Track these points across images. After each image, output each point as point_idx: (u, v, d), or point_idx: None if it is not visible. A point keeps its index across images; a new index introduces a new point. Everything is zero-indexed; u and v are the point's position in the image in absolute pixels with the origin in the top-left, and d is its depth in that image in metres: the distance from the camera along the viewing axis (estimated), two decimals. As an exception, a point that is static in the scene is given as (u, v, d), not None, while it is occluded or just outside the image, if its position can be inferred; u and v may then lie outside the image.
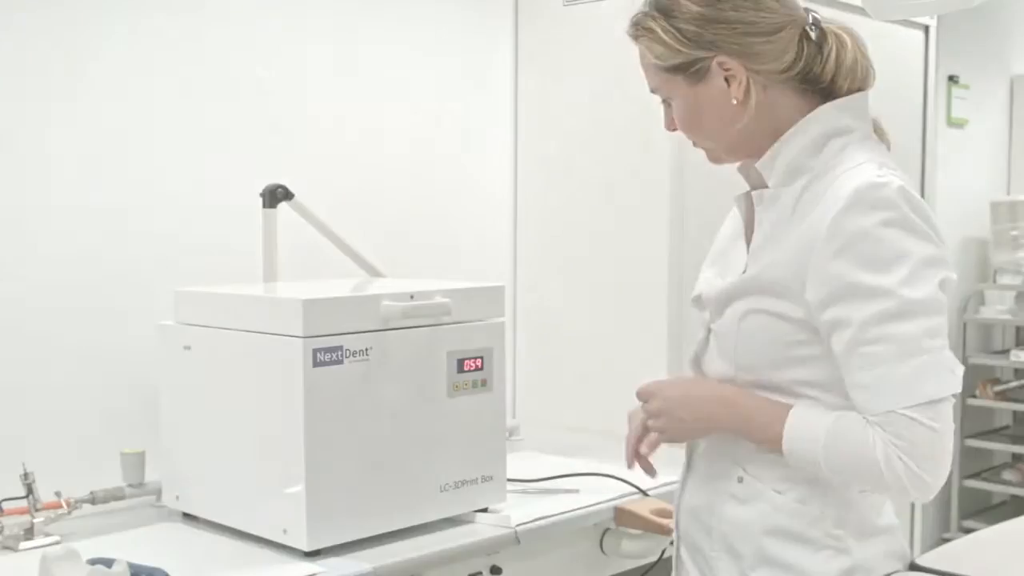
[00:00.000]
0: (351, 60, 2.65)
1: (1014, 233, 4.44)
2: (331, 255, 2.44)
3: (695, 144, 1.52)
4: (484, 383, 2.04)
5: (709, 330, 1.50)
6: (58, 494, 2.01)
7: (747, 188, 1.53)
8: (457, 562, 1.92)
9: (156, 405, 2.08)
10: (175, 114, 2.32)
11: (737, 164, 1.52)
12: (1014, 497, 4.65)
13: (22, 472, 1.97)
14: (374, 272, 2.47)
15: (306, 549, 1.80)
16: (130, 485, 2.13)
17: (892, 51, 3.53)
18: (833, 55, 1.43)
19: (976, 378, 4.59)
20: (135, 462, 2.14)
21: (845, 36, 1.46)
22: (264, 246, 2.35)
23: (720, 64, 1.41)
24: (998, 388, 4.57)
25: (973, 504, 4.64)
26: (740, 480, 1.45)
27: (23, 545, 1.91)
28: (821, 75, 1.44)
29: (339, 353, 1.81)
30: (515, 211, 3.02)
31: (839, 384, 1.37)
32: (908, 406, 1.29)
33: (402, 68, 2.75)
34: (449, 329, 1.97)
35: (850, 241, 1.32)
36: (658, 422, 1.48)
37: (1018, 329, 4.86)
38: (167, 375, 2.06)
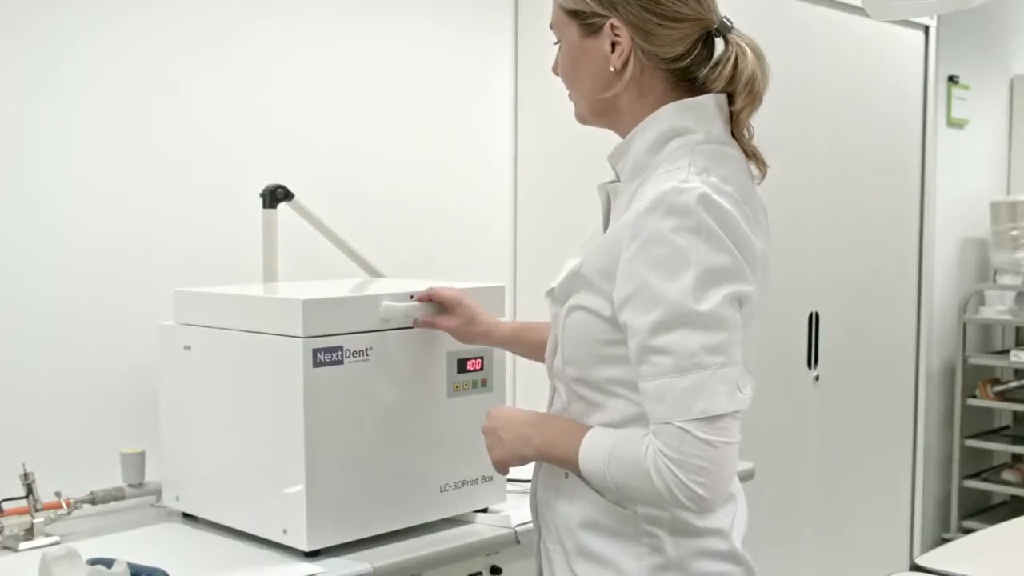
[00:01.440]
0: (351, 60, 2.66)
1: (1014, 233, 4.44)
2: (331, 255, 2.44)
3: (569, 96, 1.54)
4: (484, 383, 2.04)
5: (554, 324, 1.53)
6: (58, 494, 2.01)
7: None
8: (457, 562, 1.92)
9: (156, 405, 2.08)
10: (175, 114, 2.32)
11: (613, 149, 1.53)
12: (1014, 497, 4.65)
13: (22, 472, 1.97)
14: (374, 272, 2.47)
15: (306, 549, 1.80)
16: (130, 485, 2.13)
17: (892, 51, 3.53)
18: (730, 64, 1.42)
19: (976, 378, 4.59)
20: (135, 462, 2.14)
21: (748, 50, 1.44)
22: (264, 246, 2.35)
23: (612, 27, 1.42)
24: (998, 388, 4.57)
25: (973, 504, 4.64)
26: (567, 476, 1.48)
27: (23, 545, 1.92)
28: (713, 82, 1.43)
29: (339, 353, 1.81)
30: (515, 211, 3.02)
31: None
32: (683, 419, 1.28)
33: (402, 68, 2.75)
34: (449, 329, 1.96)
35: (647, 242, 1.31)
36: (487, 441, 1.54)
37: (1018, 329, 4.86)
38: (167, 375, 2.06)
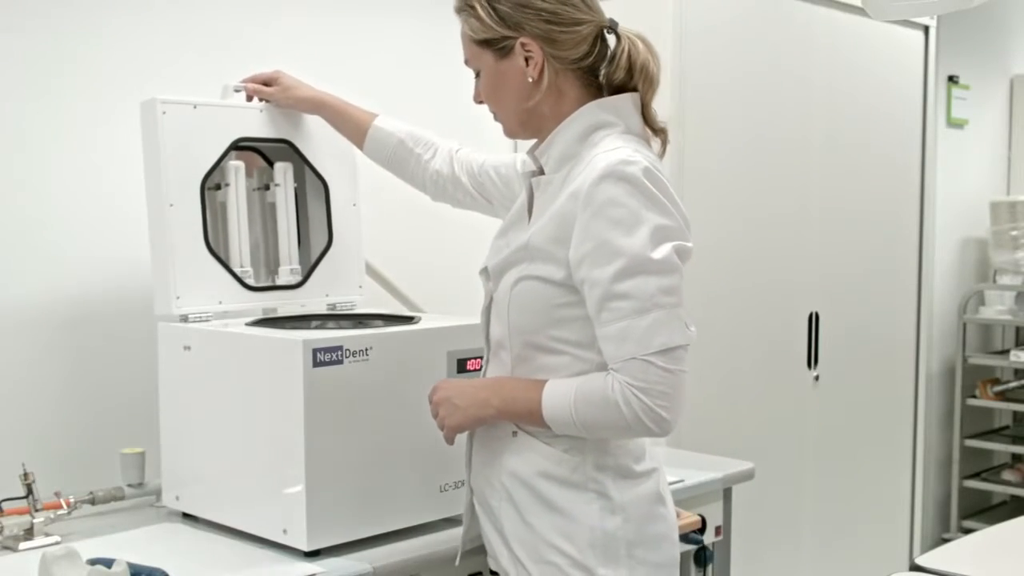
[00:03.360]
0: (352, 60, 2.66)
1: (1014, 233, 4.44)
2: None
3: (495, 118, 1.72)
4: (484, 383, 2.04)
5: (491, 298, 1.67)
6: (58, 494, 2.01)
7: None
8: (462, 562, 1.92)
9: (156, 405, 2.08)
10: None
11: (533, 144, 1.70)
12: (1014, 497, 4.66)
13: (22, 472, 1.97)
14: (373, 273, 2.47)
15: (306, 549, 1.80)
16: (130, 485, 2.13)
17: (892, 51, 3.53)
18: (625, 55, 1.61)
19: (976, 378, 4.59)
20: (135, 462, 2.14)
21: (638, 41, 1.63)
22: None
23: (523, 45, 1.60)
24: (998, 388, 4.57)
25: (973, 504, 4.65)
26: (515, 434, 1.63)
27: (23, 545, 1.91)
28: (613, 74, 1.62)
29: (339, 353, 1.81)
30: (515, 211, 3.01)
31: (595, 343, 1.54)
32: (646, 353, 1.47)
33: (402, 69, 2.75)
34: (449, 329, 1.97)
35: (603, 206, 1.49)
36: (440, 412, 1.67)
37: (1018, 329, 4.86)
38: (167, 375, 2.06)
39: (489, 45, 1.63)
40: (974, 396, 4.56)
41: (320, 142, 2.24)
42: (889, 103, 3.54)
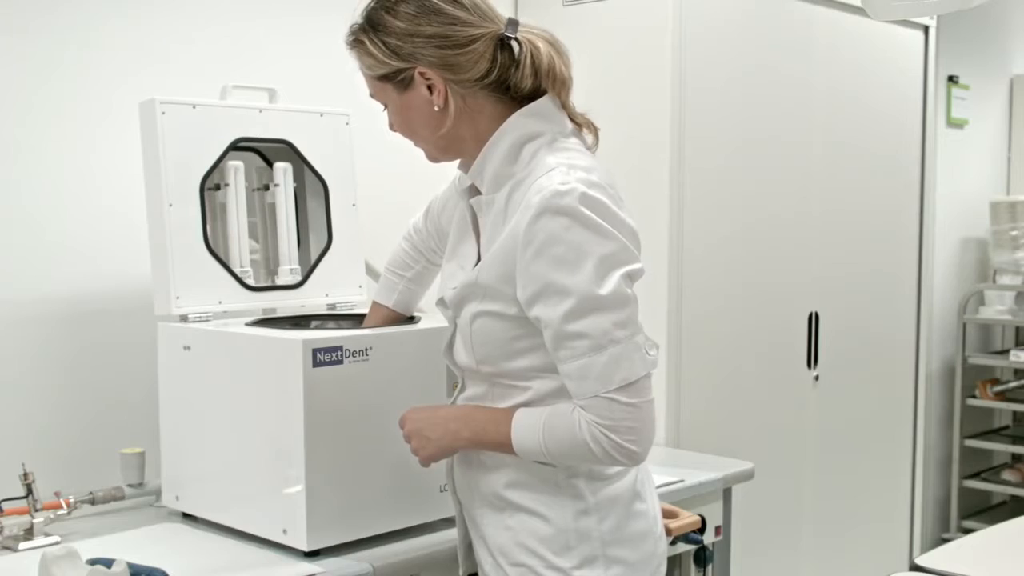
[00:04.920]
0: (352, 60, 2.65)
1: (1014, 233, 4.44)
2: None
3: (415, 144, 1.65)
4: (484, 383, 2.03)
5: (455, 325, 1.63)
6: (58, 494, 2.01)
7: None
8: (457, 562, 1.92)
9: (156, 405, 2.08)
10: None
11: (463, 163, 1.65)
12: (1013, 497, 4.66)
13: (22, 472, 1.97)
14: (375, 273, 2.47)
15: (306, 549, 1.80)
16: (130, 485, 2.14)
17: (892, 51, 3.53)
18: (528, 60, 1.54)
19: (976, 378, 4.59)
20: (135, 462, 2.14)
21: (539, 42, 1.56)
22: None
23: (421, 74, 1.54)
24: (997, 388, 4.57)
25: (973, 504, 4.65)
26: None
27: (23, 545, 1.92)
28: (521, 82, 1.55)
29: (339, 353, 1.81)
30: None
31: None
32: (608, 390, 1.44)
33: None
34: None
35: (543, 244, 1.45)
36: (412, 443, 1.65)
37: (1018, 329, 4.86)
38: (167, 375, 2.06)
39: (388, 79, 1.57)
40: (974, 396, 4.56)
41: (319, 142, 2.24)
42: (889, 103, 3.54)
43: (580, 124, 1.61)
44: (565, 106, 1.59)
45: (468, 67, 1.53)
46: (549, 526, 1.57)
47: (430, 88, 1.54)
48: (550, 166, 1.49)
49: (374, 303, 1.99)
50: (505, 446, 1.55)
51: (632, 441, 1.46)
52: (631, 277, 1.48)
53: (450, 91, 1.54)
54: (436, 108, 1.55)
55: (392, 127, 1.65)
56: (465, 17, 1.53)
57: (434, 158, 1.66)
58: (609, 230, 1.46)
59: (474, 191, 1.64)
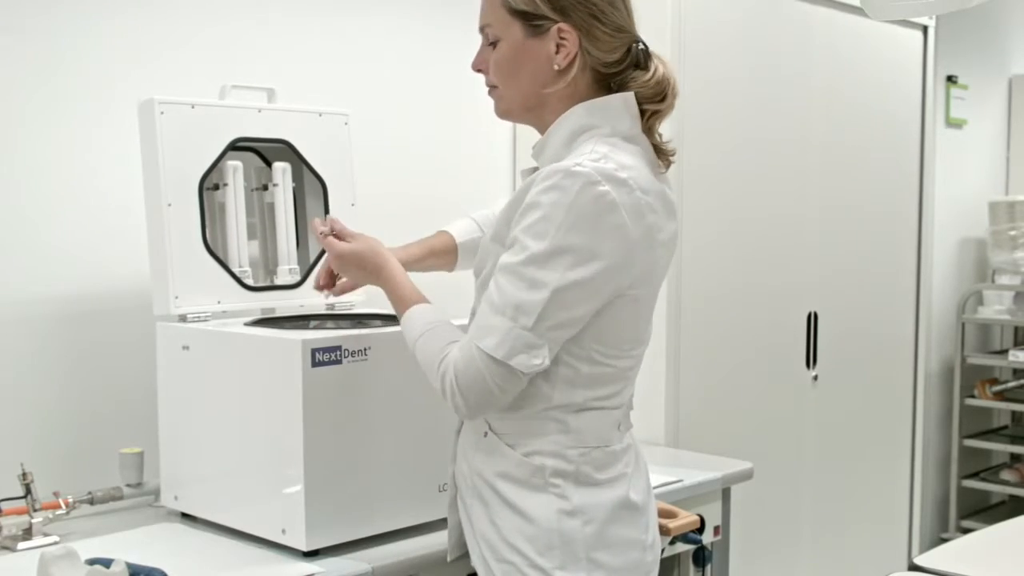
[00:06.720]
0: (350, 60, 2.66)
1: (1012, 233, 4.45)
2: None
3: (490, 92, 1.66)
4: (483, 383, 2.03)
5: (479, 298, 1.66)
6: (57, 494, 2.01)
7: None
8: (457, 562, 1.92)
9: (155, 405, 2.08)
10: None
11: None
12: (1012, 497, 4.66)
13: (20, 472, 1.97)
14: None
15: (305, 549, 1.80)
16: (129, 485, 2.13)
17: (891, 51, 3.54)
18: (659, 72, 1.60)
19: (974, 378, 4.59)
20: (134, 462, 2.14)
21: (667, 62, 1.63)
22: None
23: (559, 30, 1.56)
24: (996, 388, 4.57)
25: (971, 504, 4.65)
26: (485, 435, 1.64)
27: (21, 545, 1.91)
28: (630, 84, 1.59)
29: (338, 353, 1.81)
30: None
31: (581, 343, 1.56)
32: (479, 344, 1.49)
33: (401, 69, 2.75)
34: (448, 329, 1.96)
35: (529, 206, 1.49)
36: (334, 264, 1.78)
37: (1016, 329, 4.86)
38: (165, 375, 2.06)
39: (524, 18, 1.57)
40: (973, 396, 4.56)
41: (318, 142, 2.24)
42: (888, 103, 3.54)
43: (657, 146, 1.62)
44: (651, 124, 1.60)
45: (605, 48, 1.57)
46: (533, 525, 1.58)
47: (559, 47, 1.56)
48: (586, 151, 1.52)
49: (440, 231, 1.99)
50: (399, 317, 1.66)
51: (465, 397, 1.51)
52: (582, 283, 1.48)
53: (579, 58, 1.56)
54: (555, 67, 1.57)
55: (478, 65, 1.65)
56: (623, 9, 1.59)
57: (508, 112, 1.67)
58: (593, 227, 1.47)
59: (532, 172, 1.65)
